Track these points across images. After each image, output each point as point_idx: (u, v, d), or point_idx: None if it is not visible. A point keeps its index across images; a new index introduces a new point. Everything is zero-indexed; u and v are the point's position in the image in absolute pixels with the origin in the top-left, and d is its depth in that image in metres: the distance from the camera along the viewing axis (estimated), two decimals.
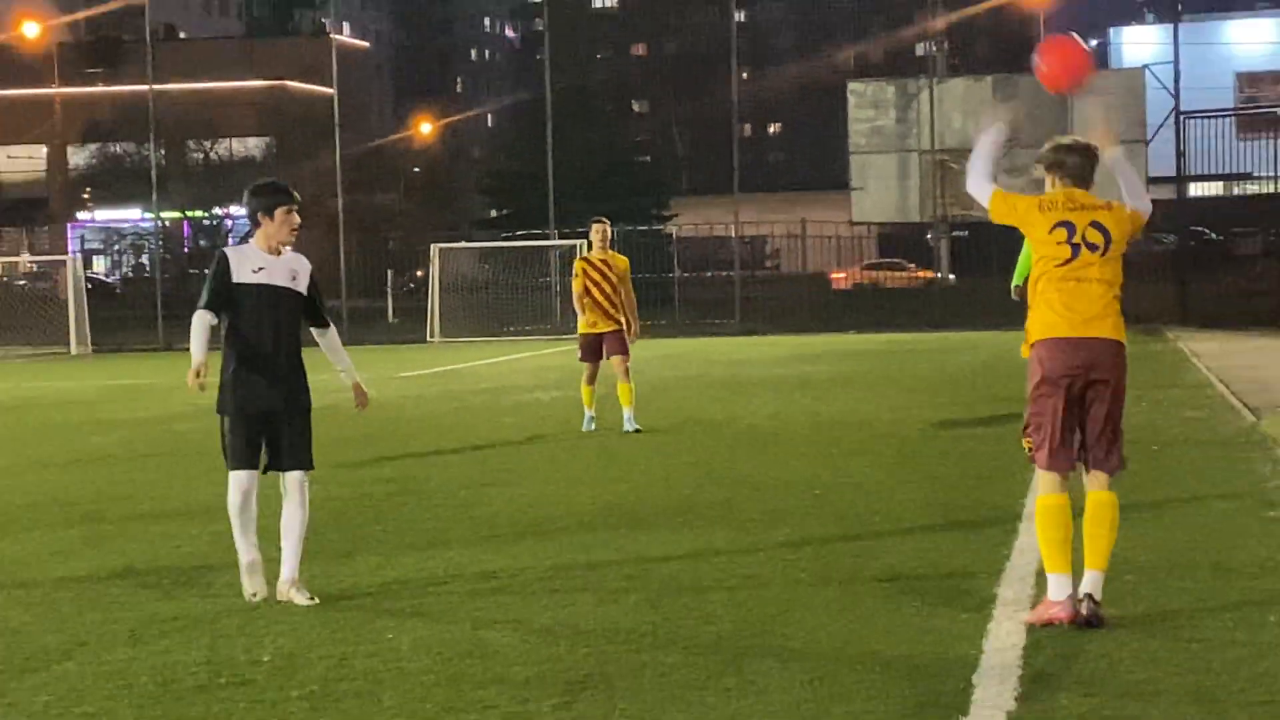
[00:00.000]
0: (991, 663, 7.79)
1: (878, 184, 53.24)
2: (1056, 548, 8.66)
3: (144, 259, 78.02)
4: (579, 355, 19.94)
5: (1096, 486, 8.81)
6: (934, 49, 71.60)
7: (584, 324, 19.72)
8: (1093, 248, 8.84)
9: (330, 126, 58.35)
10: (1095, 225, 8.88)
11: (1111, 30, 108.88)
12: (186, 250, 74.92)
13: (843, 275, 65.76)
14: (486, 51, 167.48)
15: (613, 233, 20.24)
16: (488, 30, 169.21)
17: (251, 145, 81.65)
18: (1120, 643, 8.11)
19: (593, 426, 19.35)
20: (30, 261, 74.28)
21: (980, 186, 9.27)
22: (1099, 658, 7.83)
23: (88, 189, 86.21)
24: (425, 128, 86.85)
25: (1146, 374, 26.26)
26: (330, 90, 60.80)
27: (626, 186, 77.40)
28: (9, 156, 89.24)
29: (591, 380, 19.58)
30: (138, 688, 7.77)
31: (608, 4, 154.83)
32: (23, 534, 12.71)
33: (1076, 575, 8.58)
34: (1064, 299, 8.81)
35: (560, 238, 53.27)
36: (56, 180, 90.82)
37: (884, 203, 54.13)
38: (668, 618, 8.98)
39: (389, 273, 63.88)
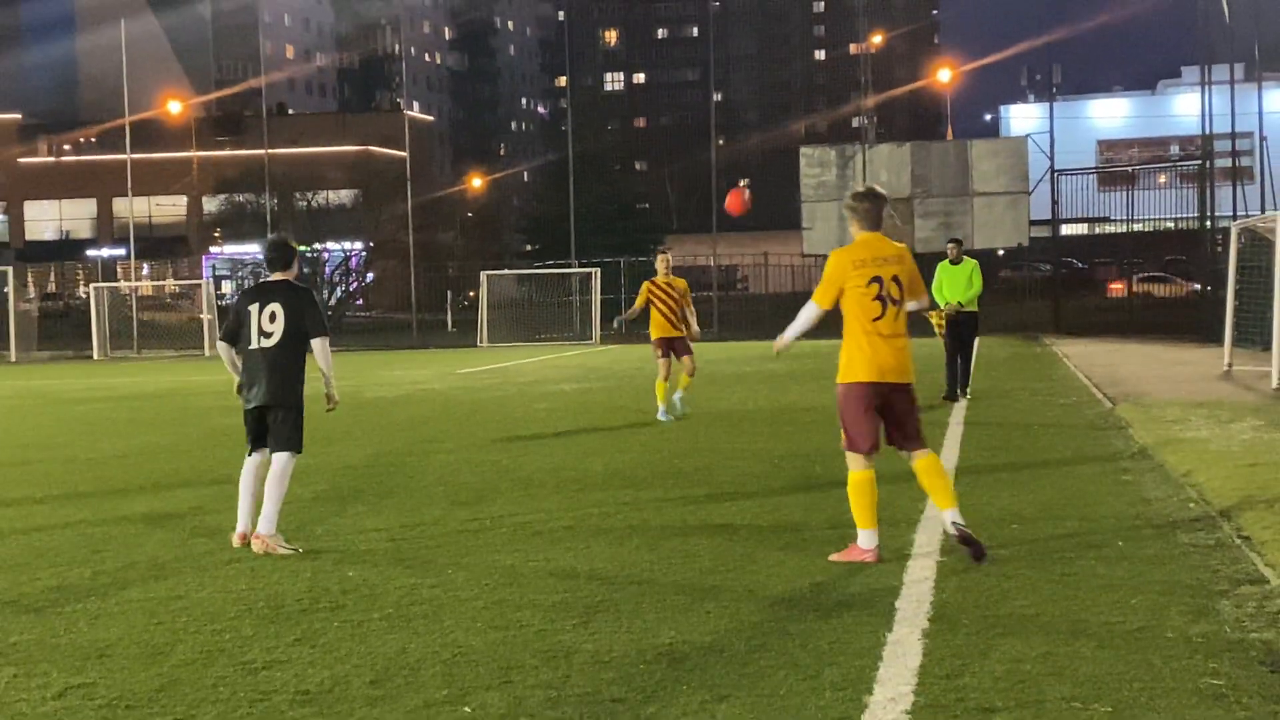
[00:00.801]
0: (909, 592, 7.78)
1: (823, 225, 53.32)
2: (866, 510, 8.67)
3: None
4: (658, 354, 18.78)
5: (919, 457, 8.76)
6: (866, 121, 71.74)
7: (655, 329, 19.04)
8: (895, 301, 8.66)
9: (404, 181, 58.44)
10: (895, 280, 8.67)
11: (1002, 107, 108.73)
12: (296, 277, 74.78)
13: (1120, 285, 61.41)
14: (524, 123, 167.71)
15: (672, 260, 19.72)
16: (524, 107, 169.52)
17: (343, 195, 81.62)
18: (1008, 575, 8.10)
19: (668, 418, 18.28)
20: (175, 285, 74.30)
21: (804, 315, 8.85)
22: (993, 587, 7.82)
23: (218, 229, 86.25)
24: (476, 182, 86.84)
25: (1029, 370, 26.25)
26: (404, 153, 60.91)
27: (630, 227, 77.49)
28: (158, 204, 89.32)
29: (666, 376, 18.61)
30: (256, 610, 7.77)
31: (616, 88, 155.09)
32: (169, 494, 12.70)
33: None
34: (872, 353, 8.63)
35: (580, 266, 53.33)
36: (194, 223, 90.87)
37: (828, 239, 54.12)
38: (662, 557, 8.97)
39: (449, 293, 64.00)
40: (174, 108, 72.56)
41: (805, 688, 6.05)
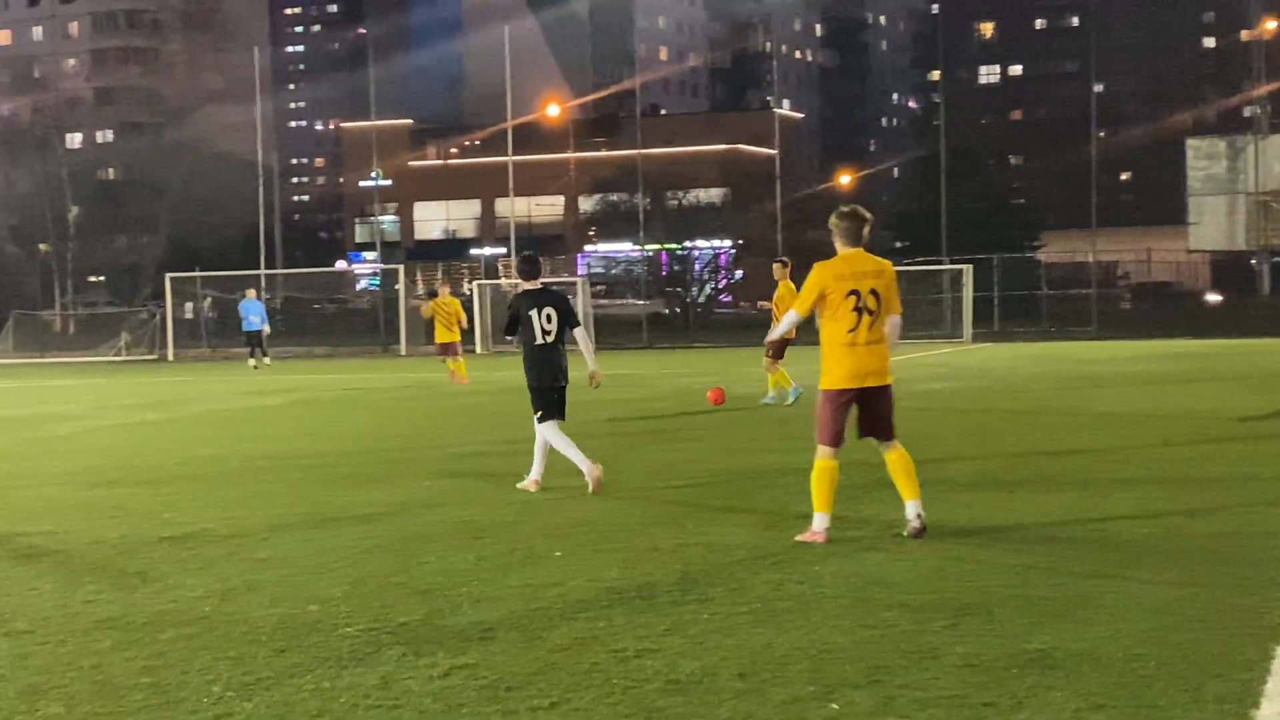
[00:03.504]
0: None
1: (1211, 219, 51.40)
2: (825, 495, 9.49)
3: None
4: (776, 352, 21.15)
5: (890, 449, 9.62)
6: (1258, 111, 68.34)
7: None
8: (871, 313, 9.37)
9: (773, 179, 58.82)
10: (873, 292, 9.38)
11: None
12: (665, 274, 76.24)
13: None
14: (894, 119, 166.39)
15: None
16: (894, 103, 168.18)
17: (713, 194, 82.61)
18: None
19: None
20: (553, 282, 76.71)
21: (785, 321, 10.07)
22: None
23: (592, 228, 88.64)
24: (845, 179, 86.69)
25: None
26: (773, 151, 61.31)
27: (1004, 223, 75.91)
28: (537, 204, 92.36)
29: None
30: (628, 599, 7.93)
31: (991, 80, 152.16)
32: (543, 484, 13.07)
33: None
34: (851, 361, 9.43)
35: (951, 263, 52.58)
36: (570, 221, 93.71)
37: (1216, 235, 52.19)
38: (1034, 560, 8.78)
39: None
40: (552, 111, 74.93)
41: (1186, 700, 5.84)
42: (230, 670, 6.63)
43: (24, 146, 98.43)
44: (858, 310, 9.35)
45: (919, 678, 6.25)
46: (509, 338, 12.96)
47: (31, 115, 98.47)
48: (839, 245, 9.61)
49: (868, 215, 9.69)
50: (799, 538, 9.56)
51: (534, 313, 12.34)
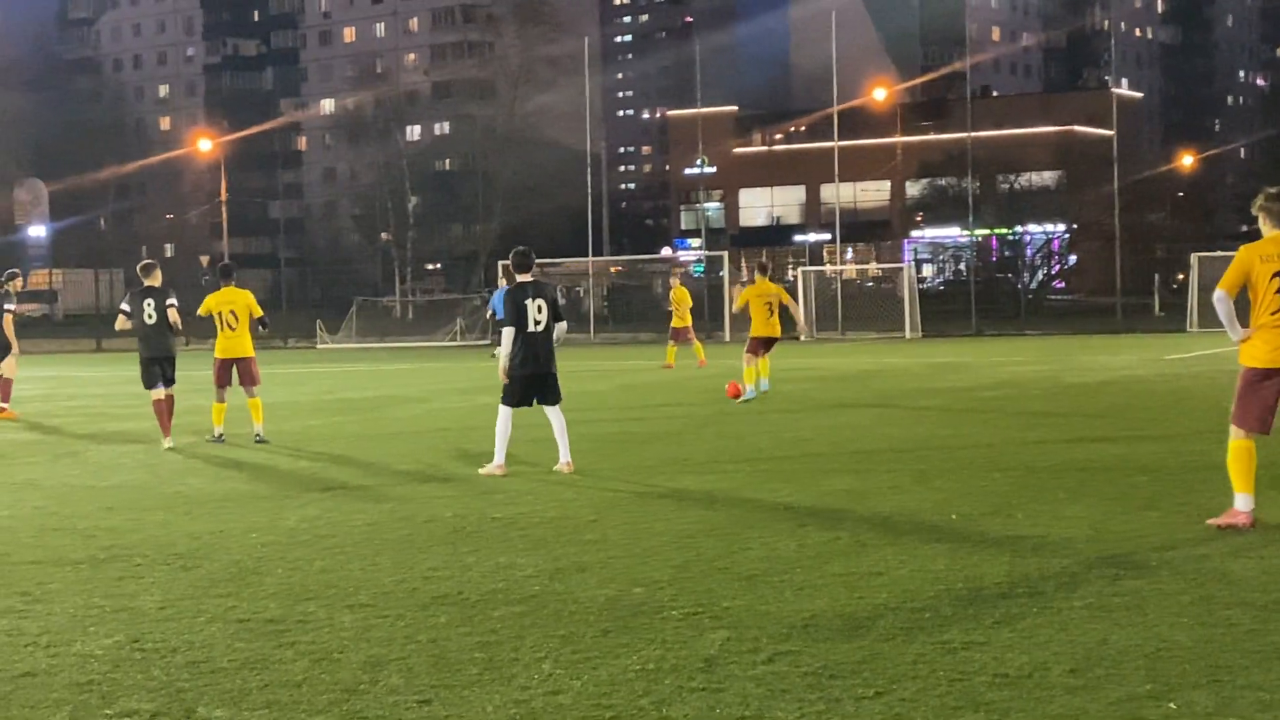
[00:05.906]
0: None
1: None
2: (1243, 475, 9.33)
3: (961, 266, 78.46)
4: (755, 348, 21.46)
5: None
6: None
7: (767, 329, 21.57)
8: None
9: (1109, 161, 57.09)
10: None
11: None
12: (994, 260, 74.85)
13: None
14: (1240, 97, 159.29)
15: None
16: (1241, 80, 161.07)
17: (1046, 177, 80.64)
18: None
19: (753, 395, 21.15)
20: (877, 268, 76.17)
21: (1221, 308, 9.37)
22: None
23: (919, 213, 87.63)
24: (1187, 160, 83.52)
25: None
26: (1110, 132, 59.47)
27: None
28: (861, 190, 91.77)
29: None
30: (954, 590, 7.83)
31: None
32: (867, 471, 13.02)
33: None
34: (1276, 340, 9.23)
35: None
36: (896, 207, 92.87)
37: None
38: None
39: (1156, 276, 62.09)
40: (879, 95, 74.36)
41: None
42: (559, 648, 6.81)
43: (368, 139, 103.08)
44: None
45: (1263, 679, 6.00)
46: (504, 330, 13.59)
47: (374, 109, 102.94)
48: (1267, 227, 9.40)
49: None
50: (1214, 521, 9.41)
51: (529, 302, 13.39)
